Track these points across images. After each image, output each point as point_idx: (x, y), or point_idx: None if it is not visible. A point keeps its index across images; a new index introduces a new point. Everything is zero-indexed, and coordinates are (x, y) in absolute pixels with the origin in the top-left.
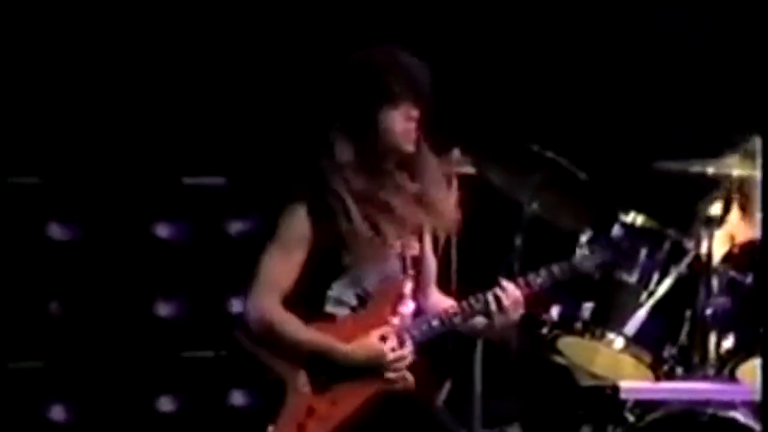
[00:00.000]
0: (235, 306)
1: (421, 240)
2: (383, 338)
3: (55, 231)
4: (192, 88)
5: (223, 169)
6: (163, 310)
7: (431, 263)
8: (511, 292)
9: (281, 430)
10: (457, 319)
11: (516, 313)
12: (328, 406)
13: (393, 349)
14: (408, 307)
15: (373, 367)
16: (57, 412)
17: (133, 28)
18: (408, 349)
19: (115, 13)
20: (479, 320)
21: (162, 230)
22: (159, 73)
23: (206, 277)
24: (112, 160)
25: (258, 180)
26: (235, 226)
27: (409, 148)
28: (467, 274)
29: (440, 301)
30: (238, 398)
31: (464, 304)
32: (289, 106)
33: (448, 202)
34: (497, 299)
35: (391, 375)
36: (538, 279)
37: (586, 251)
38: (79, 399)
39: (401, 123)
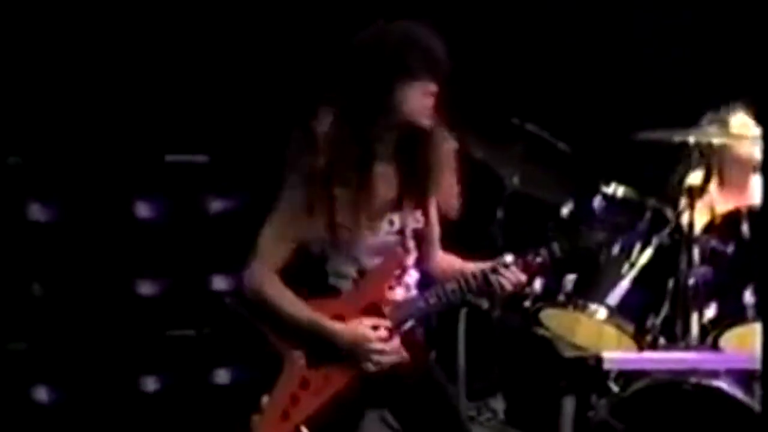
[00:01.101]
0: (217, 284)
1: (426, 212)
2: (375, 327)
3: (36, 211)
4: (174, 65)
5: (205, 146)
6: (145, 289)
7: (434, 231)
8: (515, 275)
9: (275, 400)
10: (454, 296)
11: (515, 289)
12: (321, 379)
13: (379, 339)
14: (412, 277)
15: (353, 352)
16: (41, 393)
17: (113, 6)
18: (394, 345)
19: None
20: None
21: (143, 208)
22: (140, 51)
23: (188, 255)
24: (92, 138)
25: (240, 158)
26: (217, 204)
27: (426, 122)
28: (450, 247)
29: (447, 262)
30: (221, 376)
31: (462, 281)
32: (272, 84)
33: (452, 181)
34: (500, 283)
35: (368, 366)
36: (538, 258)
37: (585, 230)
38: (63, 380)
39: (419, 98)
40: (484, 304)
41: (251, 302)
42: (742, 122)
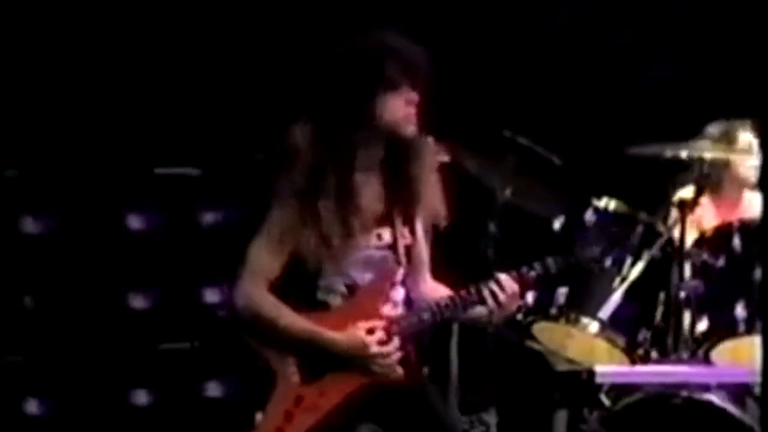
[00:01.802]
0: (209, 296)
1: (412, 228)
2: (371, 331)
3: (29, 224)
4: (165, 78)
5: (196, 159)
6: (137, 302)
7: (423, 251)
8: (508, 286)
9: (269, 417)
10: (448, 312)
11: (512, 305)
12: (316, 395)
13: (380, 343)
14: (399, 293)
15: (357, 359)
16: (32, 406)
17: (105, 20)
18: (395, 344)
19: (87, 5)
20: (478, 311)
21: (135, 221)
22: (132, 65)
23: (180, 268)
24: (85, 152)
25: (231, 171)
26: (208, 217)
27: (410, 131)
28: (442, 260)
29: (433, 289)
30: (213, 389)
31: (456, 297)
32: (263, 96)
33: (436, 191)
34: (493, 294)
35: (374, 368)
36: (532, 273)
37: (580, 246)
38: (54, 392)
39: (401, 107)
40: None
41: (242, 318)
42: (748, 140)
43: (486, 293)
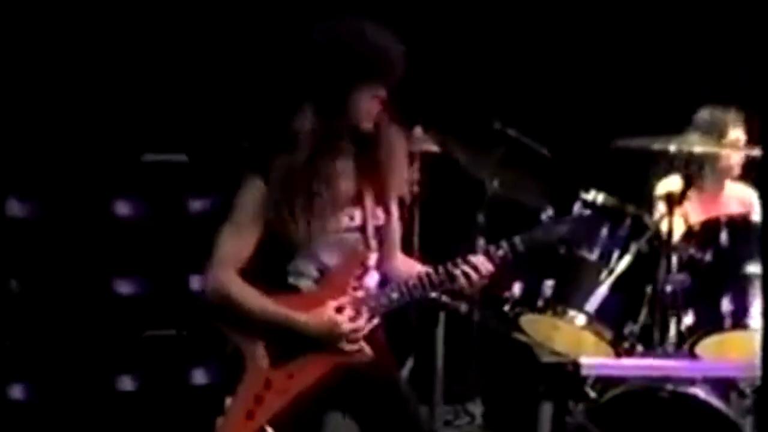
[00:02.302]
0: (196, 284)
1: (386, 208)
2: (339, 309)
3: (14, 208)
4: (153, 64)
5: (184, 146)
6: (124, 288)
7: (395, 229)
8: (482, 266)
9: (239, 402)
10: (416, 292)
11: (481, 284)
12: (285, 379)
13: (349, 320)
14: (372, 278)
15: (328, 338)
16: (17, 391)
17: (93, 6)
18: (364, 321)
19: None
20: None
21: (122, 208)
22: (119, 50)
23: (166, 255)
24: (72, 136)
25: (219, 158)
26: (196, 204)
27: (368, 126)
28: (430, 251)
29: (407, 265)
30: (199, 376)
31: (424, 277)
32: (251, 83)
33: (402, 172)
34: (466, 275)
35: (346, 346)
36: (499, 251)
37: (546, 224)
38: (39, 378)
39: (366, 102)
40: (463, 307)
41: (211, 303)
42: (738, 134)
43: (458, 274)
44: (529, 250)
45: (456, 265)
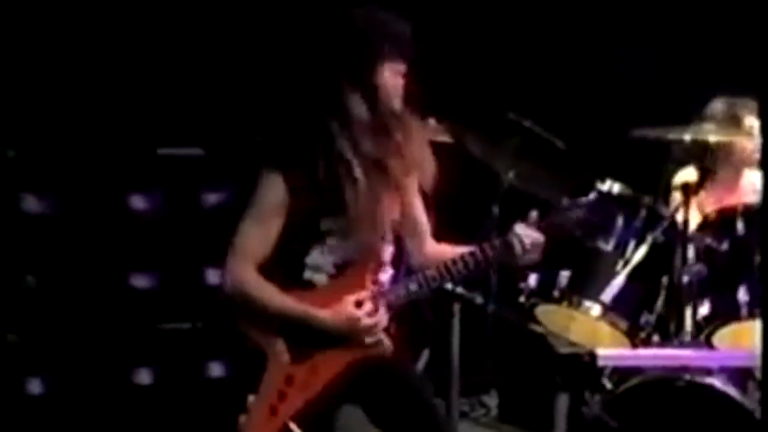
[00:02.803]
0: (211, 277)
1: (402, 204)
2: (358, 304)
3: (30, 203)
4: (168, 58)
5: (199, 139)
6: (139, 281)
7: (421, 218)
8: (529, 235)
9: (262, 399)
10: (435, 283)
11: (535, 253)
12: (307, 374)
13: (368, 315)
14: (386, 273)
15: (348, 333)
16: (34, 386)
17: (108, 1)
18: (382, 314)
19: None
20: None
21: (137, 201)
22: (134, 44)
23: (182, 248)
24: (87, 131)
25: (234, 151)
26: (211, 198)
27: (398, 104)
28: (444, 243)
29: (439, 251)
30: (214, 369)
31: (442, 267)
32: (266, 77)
33: (429, 160)
34: (521, 241)
35: (367, 340)
36: (555, 217)
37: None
38: (56, 372)
39: (391, 79)
40: (478, 299)
41: (231, 299)
42: (753, 122)
43: (471, 263)
44: (546, 234)
45: (472, 254)
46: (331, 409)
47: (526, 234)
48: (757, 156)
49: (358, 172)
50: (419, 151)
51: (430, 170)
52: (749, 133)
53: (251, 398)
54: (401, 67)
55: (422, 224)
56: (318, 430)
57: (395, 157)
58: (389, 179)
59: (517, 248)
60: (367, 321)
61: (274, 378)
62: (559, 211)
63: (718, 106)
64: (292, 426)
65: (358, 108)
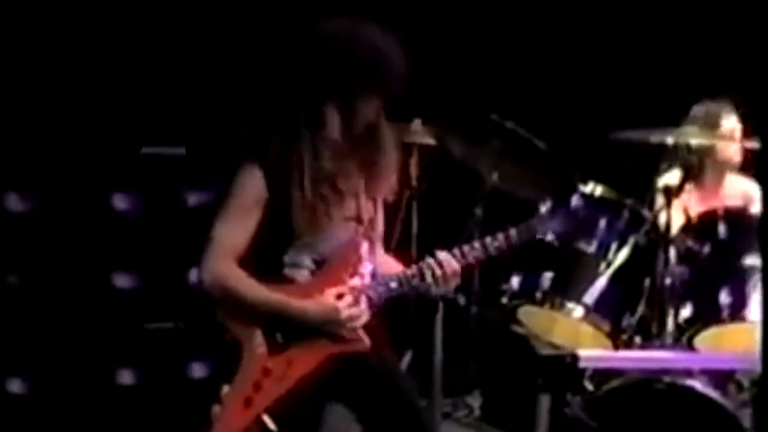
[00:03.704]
0: (194, 277)
1: (375, 204)
2: (339, 296)
3: (12, 202)
4: (151, 57)
5: (182, 139)
6: (122, 281)
7: (380, 225)
8: (447, 264)
9: (237, 389)
10: (415, 281)
11: (452, 284)
12: (283, 366)
13: (348, 306)
14: (366, 267)
15: (327, 324)
16: (15, 385)
17: (91, 1)
18: (363, 308)
19: None
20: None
21: (120, 201)
22: (117, 43)
23: (164, 248)
24: (70, 130)
25: (216, 150)
26: (194, 197)
27: (360, 130)
28: (428, 244)
29: (386, 261)
30: (197, 370)
31: (423, 266)
32: (249, 76)
33: (392, 172)
34: (432, 271)
35: (345, 333)
36: (473, 252)
37: (540, 217)
38: (38, 371)
39: (373, 108)
40: (461, 299)
41: (210, 292)
42: (732, 125)
43: (425, 270)
44: (523, 243)
45: (425, 264)
46: (312, 407)
47: (444, 263)
48: (736, 159)
49: (307, 182)
50: (390, 164)
51: (389, 181)
52: (728, 136)
53: (225, 388)
54: (382, 102)
55: (378, 231)
56: (303, 428)
57: (352, 178)
58: (342, 191)
59: (428, 277)
60: (345, 312)
61: (250, 369)
62: (538, 220)
63: (698, 110)
64: (266, 419)
65: (332, 124)
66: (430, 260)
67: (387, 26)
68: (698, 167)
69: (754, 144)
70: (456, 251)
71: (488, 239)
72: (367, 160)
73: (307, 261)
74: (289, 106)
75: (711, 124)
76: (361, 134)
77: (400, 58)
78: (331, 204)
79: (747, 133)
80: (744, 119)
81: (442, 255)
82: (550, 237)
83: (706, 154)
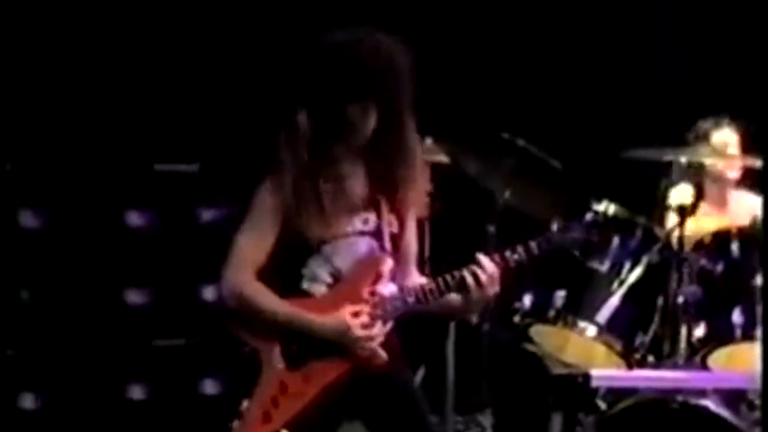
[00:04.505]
0: (206, 293)
1: (401, 219)
2: (356, 314)
3: (26, 218)
4: (165, 74)
5: (195, 156)
6: (134, 297)
7: (412, 244)
8: (488, 267)
9: (255, 404)
10: (432, 296)
11: (492, 289)
12: (300, 382)
13: (363, 326)
14: (387, 287)
15: (342, 342)
16: (27, 400)
17: (104, 14)
18: (379, 327)
19: (88, 0)
20: (454, 298)
21: (133, 218)
22: (131, 60)
23: (177, 264)
24: (83, 147)
25: (230, 167)
26: (207, 214)
27: (362, 141)
28: (441, 262)
29: (413, 280)
30: (209, 386)
31: (440, 280)
32: (262, 93)
33: (420, 185)
34: (474, 274)
35: (359, 352)
36: (515, 255)
37: (560, 229)
38: (50, 387)
39: (368, 122)
40: (474, 319)
41: (228, 305)
42: (723, 140)
43: (467, 274)
44: (545, 253)
45: (467, 268)
46: (330, 423)
47: (486, 267)
48: (730, 172)
49: (319, 187)
50: (415, 177)
51: (423, 196)
52: (719, 151)
53: (245, 403)
54: (374, 110)
55: (409, 250)
56: None
57: (383, 179)
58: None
59: (469, 280)
60: (360, 332)
61: (268, 384)
62: (557, 232)
63: (700, 126)
64: None
65: (308, 127)
66: (472, 266)
67: (399, 41)
68: (698, 183)
69: (754, 161)
70: (495, 256)
71: (531, 242)
72: (382, 171)
73: (324, 275)
74: (287, 114)
75: (702, 139)
76: (366, 143)
77: (406, 68)
78: (335, 212)
79: (751, 150)
80: (746, 136)
81: (483, 259)
82: (570, 243)
83: (700, 169)
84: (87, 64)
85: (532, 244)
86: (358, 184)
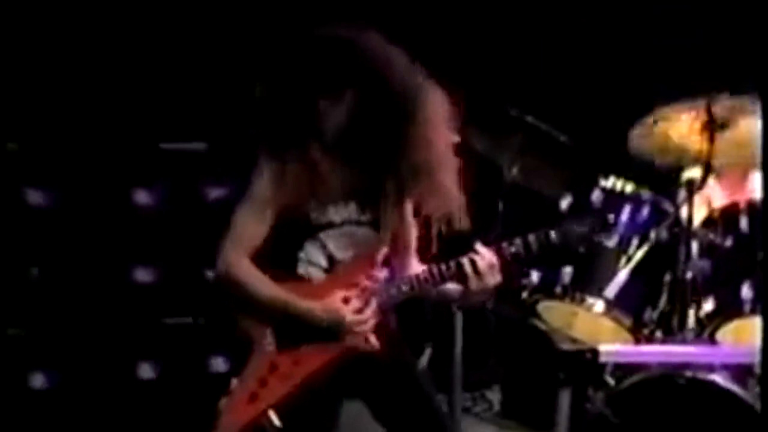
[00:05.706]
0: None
1: (401, 210)
2: (346, 300)
3: (34, 197)
4: (171, 52)
5: (202, 134)
6: (142, 276)
7: (411, 231)
8: (486, 257)
9: (243, 384)
10: (427, 285)
11: (492, 279)
12: (290, 364)
13: (354, 312)
14: (381, 271)
15: (331, 327)
16: (37, 379)
17: None
18: (370, 313)
19: None
20: (453, 287)
21: (140, 196)
22: (137, 39)
23: (185, 243)
24: (90, 126)
25: (237, 146)
26: (214, 192)
27: (330, 136)
28: (449, 239)
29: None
30: (218, 364)
31: (435, 269)
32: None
33: (450, 186)
34: (473, 263)
35: (350, 337)
36: (512, 248)
37: (564, 225)
38: (59, 365)
39: (329, 112)
40: (489, 305)
41: (223, 285)
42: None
43: (465, 262)
44: (544, 252)
45: (465, 257)
46: (326, 406)
47: (485, 257)
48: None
49: (306, 175)
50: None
51: (449, 196)
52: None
53: (234, 381)
54: (344, 104)
55: (409, 242)
56: (319, 425)
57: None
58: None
59: (467, 269)
60: (349, 317)
61: (257, 365)
62: (560, 229)
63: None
64: (272, 414)
65: (335, 120)
66: (470, 254)
67: (406, 20)
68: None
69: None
70: (493, 247)
71: (530, 236)
72: (381, 161)
73: (321, 259)
74: (284, 100)
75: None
76: (355, 134)
77: (397, 63)
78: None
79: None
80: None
81: (482, 248)
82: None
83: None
84: (94, 43)
85: (531, 238)
86: (355, 173)
